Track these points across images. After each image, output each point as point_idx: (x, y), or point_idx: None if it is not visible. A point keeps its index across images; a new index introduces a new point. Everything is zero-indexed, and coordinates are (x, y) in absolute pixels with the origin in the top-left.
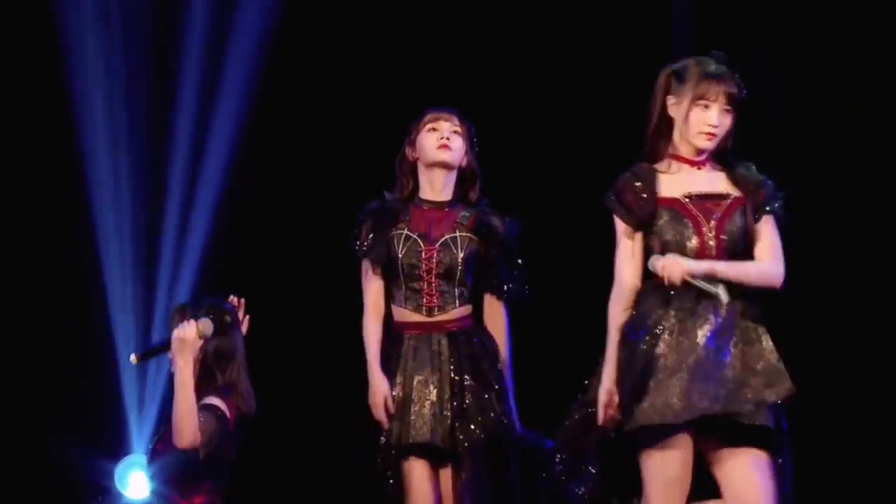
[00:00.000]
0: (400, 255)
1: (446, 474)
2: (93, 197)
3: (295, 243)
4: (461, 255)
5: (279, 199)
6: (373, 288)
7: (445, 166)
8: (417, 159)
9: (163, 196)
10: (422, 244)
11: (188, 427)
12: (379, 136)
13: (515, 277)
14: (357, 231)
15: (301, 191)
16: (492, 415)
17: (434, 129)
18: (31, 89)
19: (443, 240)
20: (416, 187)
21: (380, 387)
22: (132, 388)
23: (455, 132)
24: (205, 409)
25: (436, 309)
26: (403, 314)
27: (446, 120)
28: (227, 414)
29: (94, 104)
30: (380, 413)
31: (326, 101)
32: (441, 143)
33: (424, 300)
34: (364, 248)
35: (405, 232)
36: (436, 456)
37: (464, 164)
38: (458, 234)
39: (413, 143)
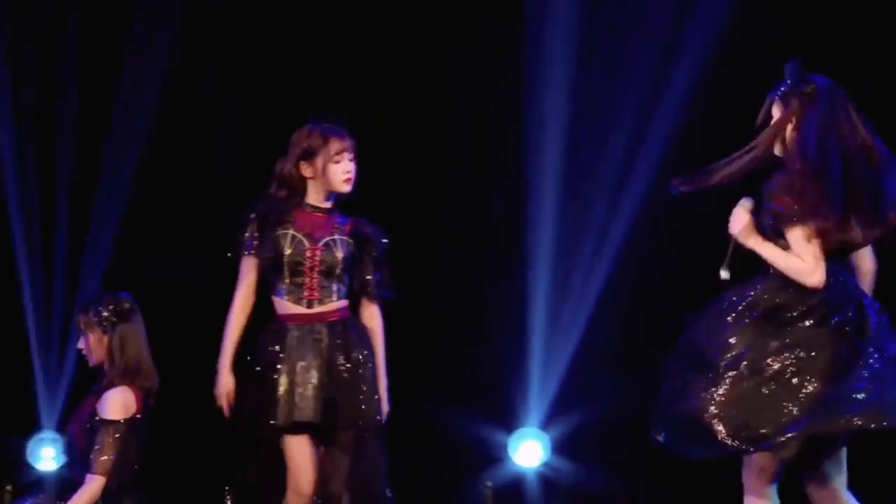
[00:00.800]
0: (286, 253)
1: (323, 450)
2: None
3: (182, 240)
4: (341, 255)
5: (171, 200)
6: (247, 283)
7: (344, 194)
8: (313, 178)
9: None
10: (307, 243)
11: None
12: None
13: (384, 278)
14: (244, 229)
15: (186, 192)
16: (363, 397)
17: (339, 162)
18: None
19: (325, 241)
20: (303, 193)
21: (225, 381)
22: (42, 367)
23: (354, 160)
24: (101, 432)
25: (316, 302)
26: (286, 307)
27: (350, 150)
28: (130, 408)
29: None
30: (221, 403)
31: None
32: (347, 177)
33: (305, 294)
34: (251, 247)
35: (291, 231)
36: (316, 432)
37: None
38: (337, 236)
39: (310, 162)
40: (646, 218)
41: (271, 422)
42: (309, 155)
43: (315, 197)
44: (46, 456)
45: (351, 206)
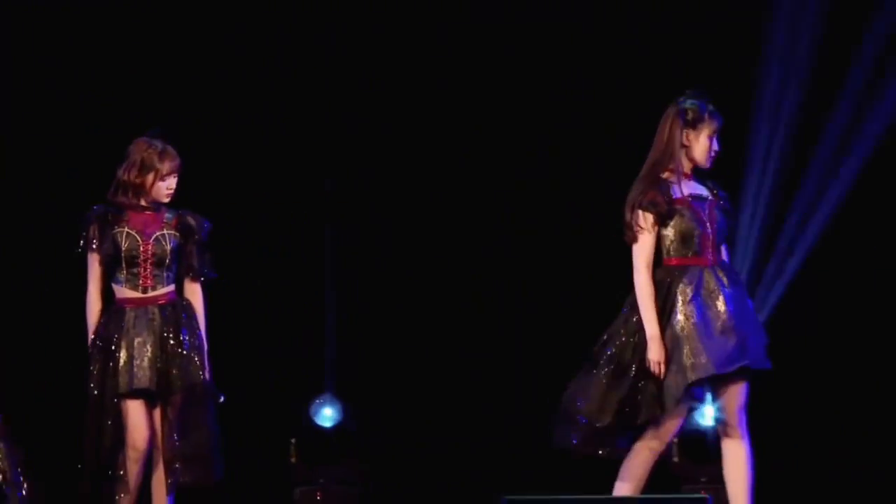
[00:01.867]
0: (123, 248)
1: (157, 413)
2: None
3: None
4: (169, 247)
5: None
6: (96, 275)
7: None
8: (141, 185)
9: None
10: (139, 239)
11: None
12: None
13: (206, 263)
14: (85, 230)
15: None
16: (192, 367)
17: (164, 181)
18: None
19: (155, 236)
20: (139, 197)
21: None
22: None
23: (176, 176)
24: None
25: (149, 288)
26: (124, 292)
27: (175, 173)
28: None
29: None
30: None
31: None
32: (168, 193)
33: (140, 281)
34: (93, 244)
35: (126, 230)
36: (151, 398)
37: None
38: (165, 231)
39: (144, 175)
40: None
41: (114, 390)
42: (145, 169)
43: (145, 199)
44: None
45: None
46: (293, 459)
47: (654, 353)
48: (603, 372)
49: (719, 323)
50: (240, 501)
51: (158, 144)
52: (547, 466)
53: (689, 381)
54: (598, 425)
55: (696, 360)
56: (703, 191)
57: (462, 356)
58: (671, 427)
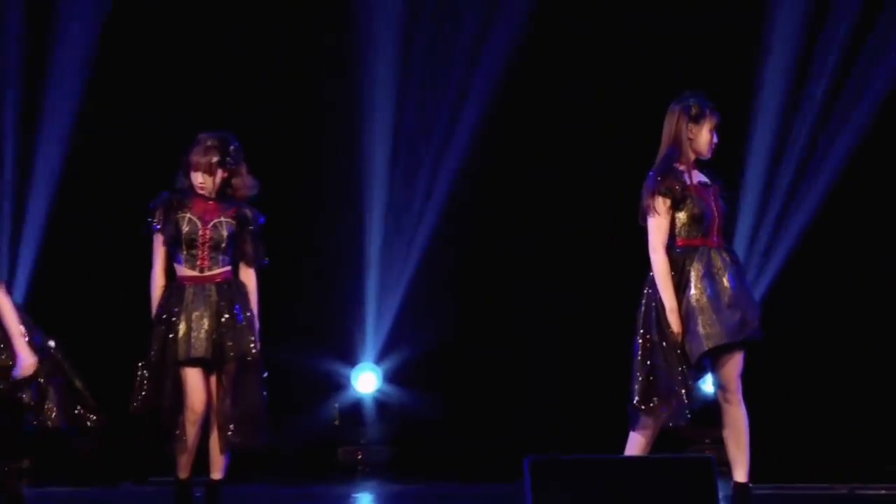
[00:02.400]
0: (184, 231)
1: (213, 379)
2: None
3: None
4: (225, 233)
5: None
6: (160, 255)
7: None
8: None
9: None
10: (199, 224)
11: None
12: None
13: (259, 251)
14: (152, 215)
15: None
16: (244, 340)
17: (195, 172)
18: None
19: (213, 222)
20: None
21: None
22: None
23: (205, 173)
24: None
25: (206, 268)
26: (184, 271)
27: (204, 169)
28: None
29: None
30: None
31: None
32: (200, 186)
33: (198, 262)
34: (158, 227)
35: (188, 215)
36: (207, 366)
37: (218, 180)
38: (223, 219)
39: (186, 170)
40: (472, 166)
41: (174, 357)
42: (191, 164)
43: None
44: None
45: None
46: (336, 422)
47: (674, 324)
48: (642, 352)
49: (726, 297)
50: (290, 460)
51: (203, 139)
52: (570, 430)
53: (706, 349)
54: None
55: (711, 330)
56: (705, 178)
57: (491, 334)
58: None
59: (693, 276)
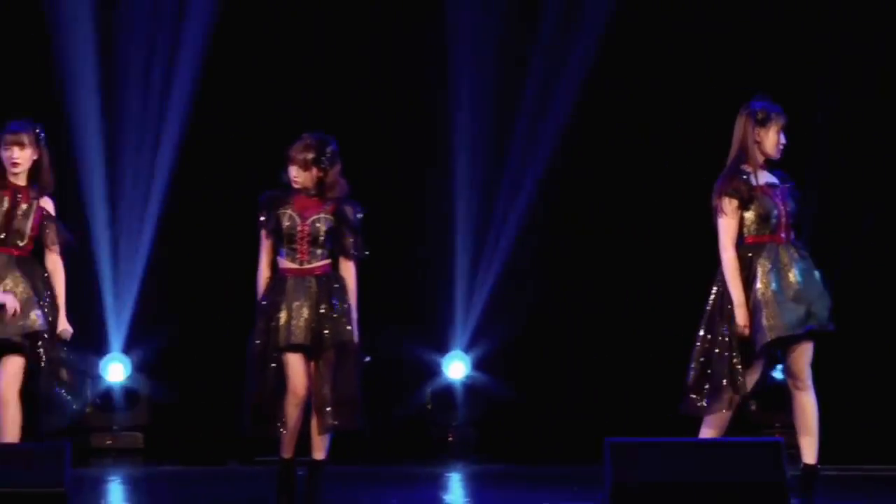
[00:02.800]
0: (284, 227)
1: (313, 365)
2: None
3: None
4: (323, 228)
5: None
6: (265, 248)
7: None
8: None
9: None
10: (298, 220)
11: None
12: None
13: (358, 245)
14: (258, 211)
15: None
16: (341, 329)
17: (290, 165)
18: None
19: (312, 218)
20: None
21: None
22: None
23: (299, 167)
24: None
25: (305, 261)
26: (286, 264)
27: (299, 165)
28: None
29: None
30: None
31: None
32: (294, 180)
33: (298, 255)
34: (263, 222)
35: (289, 211)
36: (307, 352)
37: (312, 177)
38: (322, 214)
39: (286, 165)
40: (563, 149)
41: (276, 344)
42: (286, 160)
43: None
44: (115, 371)
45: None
46: (429, 406)
47: (741, 318)
48: (702, 344)
49: (791, 292)
50: (386, 441)
51: (305, 137)
52: (647, 414)
53: (768, 340)
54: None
55: (774, 322)
56: (775, 179)
57: (571, 321)
58: (750, 381)
59: (760, 271)
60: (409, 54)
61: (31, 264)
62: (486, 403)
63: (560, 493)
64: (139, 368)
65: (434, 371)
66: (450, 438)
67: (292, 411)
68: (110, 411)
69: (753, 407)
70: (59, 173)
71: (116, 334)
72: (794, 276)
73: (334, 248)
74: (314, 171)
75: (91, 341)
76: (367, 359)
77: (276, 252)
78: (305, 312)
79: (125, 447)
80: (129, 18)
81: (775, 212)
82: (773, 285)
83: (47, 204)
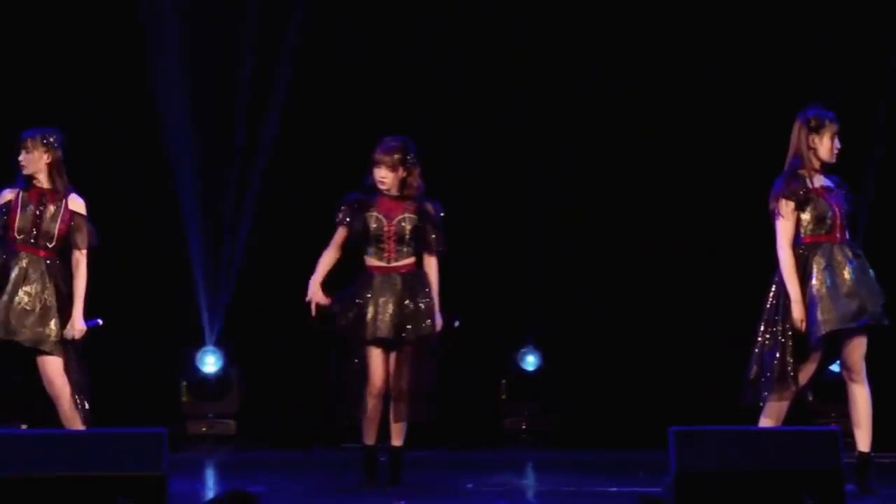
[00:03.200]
0: (371, 228)
1: (392, 357)
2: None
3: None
4: (409, 227)
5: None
6: (337, 242)
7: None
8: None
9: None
10: (384, 221)
11: None
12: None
13: (440, 241)
14: (340, 210)
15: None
16: (422, 324)
17: (377, 168)
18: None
19: (397, 219)
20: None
21: (312, 290)
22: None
23: (388, 168)
24: None
25: (392, 259)
26: (372, 262)
27: (387, 165)
28: None
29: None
30: (311, 306)
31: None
32: (380, 181)
33: (385, 254)
34: (345, 220)
35: (375, 213)
36: (388, 346)
37: (398, 176)
38: (406, 215)
39: (371, 167)
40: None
41: (361, 337)
42: (372, 163)
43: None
44: (210, 362)
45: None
46: (503, 397)
47: (797, 313)
48: (762, 339)
49: (845, 288)
50: (459, 430)
51: (388, 140)
52: (711, 403)
53: (822, 333)
54: (762, 380)
55: (828, 316)
56: (831, 183)
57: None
58: (806, 373)
59: (815, 269)
60: None
61: (59, 266)
62: (558, 393)
63: (626, 479)
64: (231, 361)
65: (508, 364)
66: (523, 426)
67: (371, 401)
68: (205, 400)
69: (811, 398)
70: (155, 172)
71: (211, 329)
72: (847, 273)
73: (418, 245)
74: (400, 171)
75: (188, 336)
76: (457, 323)
77: (362, 251)
78: (391, 308)
79: (219, 434)
80: (215, 23)
81: (830, 213)
82: (828, 282)
83: (76, 204)
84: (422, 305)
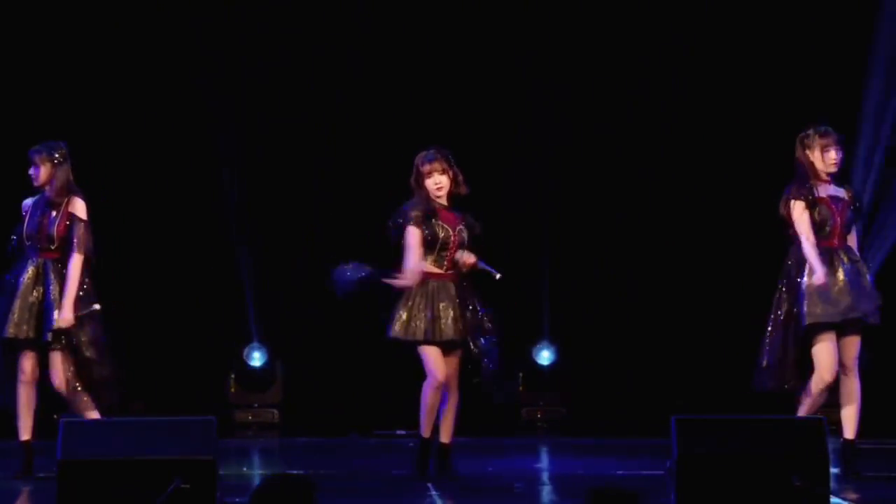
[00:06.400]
0: (440, 237)
1: (452, 356)
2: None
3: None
4: (466, 236)
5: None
6: (420, 251)
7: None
8: (417, 186)
9: None
10: (450, 231)
11: None
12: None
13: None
14: (413, 214)
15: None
16: (481, 326)
17: (430, 177)
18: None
19: (458, 228)
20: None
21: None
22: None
23: (441, 174)
24: None
25: (447, 267)
26: (430, 269)
27: (439, 171)
28: None
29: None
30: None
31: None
32: (437, 188)
33: (445, 262)
34: (421, 232)
35: (441, 223)
36: (448, 346)
37: (452, 180)
38: (459, 225)
39: (419, 180)
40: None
41: (415, 337)
42: (416, 172)
43: (444, 199)
44: (256, 356)
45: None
46: (521, 388)
47: (819, 270)
48: (768, 328)
49: (836, 287)
50: (486, 420)
51: (427, 151)
52: (714, 391)
53: (805, 324)
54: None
55: (814, 310)
56: (840, 193)
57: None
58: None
59: (810, 267)
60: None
61: (61, 266)
62: (571, 385)
63: (631, 463)
64: (275, 355)
65: (524, 357)
66: (539, 416)
67: (432, 395)
68: (251, 391)
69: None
70: (201, 174)
71: (257, 327)
72: (841, 274)
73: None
74: (450, 173)
75: (236, 333)
76: (499, 276)
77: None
78: (451, 312)
79: (263, 422)
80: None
81: (831, 221)
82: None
83: (75, 206)
84: (480, 308)
